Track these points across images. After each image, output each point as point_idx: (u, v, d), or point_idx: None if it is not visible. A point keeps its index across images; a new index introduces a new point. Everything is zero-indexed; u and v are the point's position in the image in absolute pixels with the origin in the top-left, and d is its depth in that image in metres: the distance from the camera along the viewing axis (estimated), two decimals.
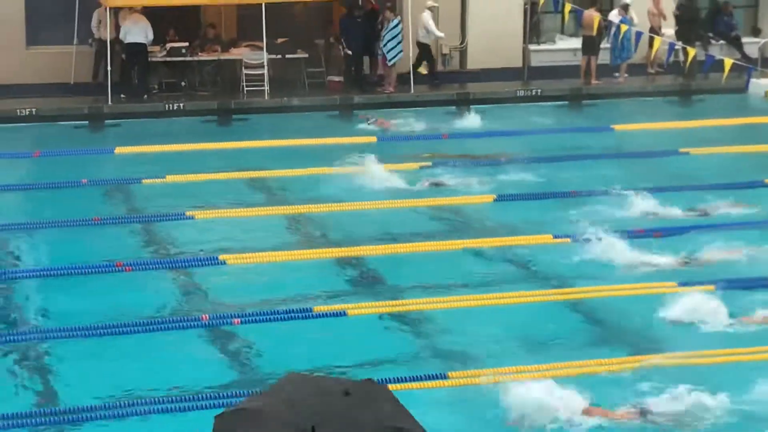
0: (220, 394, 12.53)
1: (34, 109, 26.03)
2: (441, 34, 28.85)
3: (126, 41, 26.77)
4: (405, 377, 12.90)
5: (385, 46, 28.11)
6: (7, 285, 16.13)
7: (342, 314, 14.92)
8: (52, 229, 18.48)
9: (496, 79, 29.40)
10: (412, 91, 28.36)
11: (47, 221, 18.74)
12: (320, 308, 15.08)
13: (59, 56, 27.47)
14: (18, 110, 25.94)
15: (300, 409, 3.73)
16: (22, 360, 13.75)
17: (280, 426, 3.64)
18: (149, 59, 27.32)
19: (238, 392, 12.46)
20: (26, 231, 18.46)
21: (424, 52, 28.90)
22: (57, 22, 27.61)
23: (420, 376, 13.01)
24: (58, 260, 17.02)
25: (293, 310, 15.01)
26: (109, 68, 26.46)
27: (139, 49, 26.70)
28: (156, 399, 12.52)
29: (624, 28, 28.75)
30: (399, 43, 28.00)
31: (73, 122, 25.82)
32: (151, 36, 26.74)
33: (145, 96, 27.19)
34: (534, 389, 12.04)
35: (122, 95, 26.98)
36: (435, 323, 14.77)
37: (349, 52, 28.56)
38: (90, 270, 16.49)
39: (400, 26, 27.96)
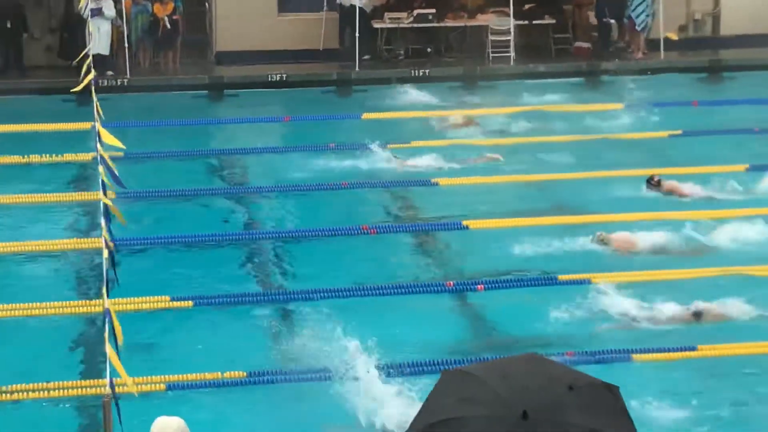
0: (460, 360, 12.52)
1: (284, 75, 26.54)
2: None
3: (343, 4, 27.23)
4: (652, 348, 12.65)
5: (634, 11, 27.53)
6: (259, 245, 16.53)
7: (586, 282, 14.69)
8: (300, 192, 18.86)
9: (752, 46, 28.33)
10: (662, 57, 27.70)
11: (296, 184, 19.13)
12: (564, 277, 14.89)
13: (309, 22, 27.93)
14: (269, 75, 26.49)
15: (517, 389, 3.59)
16: (271, 320, 14.06)
17: (492, 397, 3.52)
18: (398, 25, 27.58)
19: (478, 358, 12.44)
20: (277, 193, 18.88)
21: None
22: None
23: (670, 348, 12.74)
24: (308, 222, 17.36)
25: (537, 278, 14.88)
26: (357, 34, 26.75)
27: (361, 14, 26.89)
28: (399, 364, 12.61)
29: None
30: (648, 7, 27.38)
31: (321, 87, 26.21)
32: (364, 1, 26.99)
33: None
34: None
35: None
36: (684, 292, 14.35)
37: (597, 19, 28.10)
38: (337, 232, 16.73)
39: None
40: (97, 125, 14.64)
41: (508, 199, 18.28)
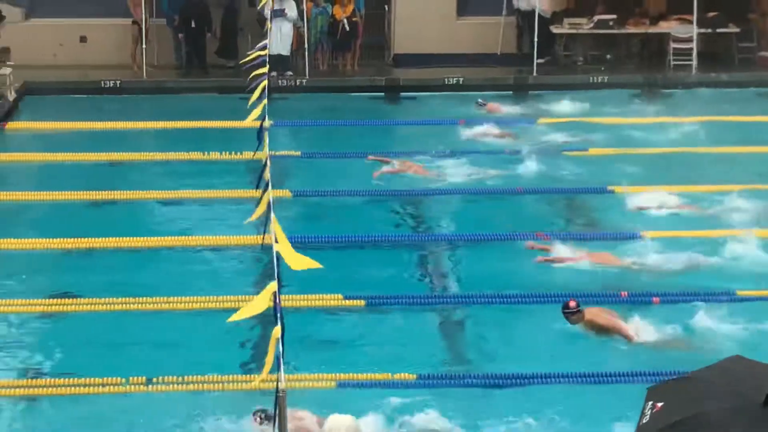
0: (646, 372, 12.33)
1: (460, 78, 26.50)
2: None
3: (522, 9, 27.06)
4: None
5: None
6: (432, 247, 16.50)
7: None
8: (474, 196, 18.78)
9: None
10: None
11: (469, 188, 19.08)
12: (745, 292, 14.49)
13: (487, 26, 27.83)
14: (445, 79, 26.48)
15: (745, 382, 3.64)
16: (442, 323, 14.00)
17: (726, 391, 3.56)
18: (577, 31, 27.31)
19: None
20: (450, 196, 18.83)
21: None
22: None
23: None
24: (481, 226, 17.28)
25: (716, 291, 14.51)
26: (535, 39, 26.57)
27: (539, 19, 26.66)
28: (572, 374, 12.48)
29: None
30: None
31: (497, 92, 26.07)
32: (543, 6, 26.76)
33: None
34: None
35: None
36: None
37: None
38: (510, 237, 16.60)
39: None
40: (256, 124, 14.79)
41: (685, 209, 17.88)
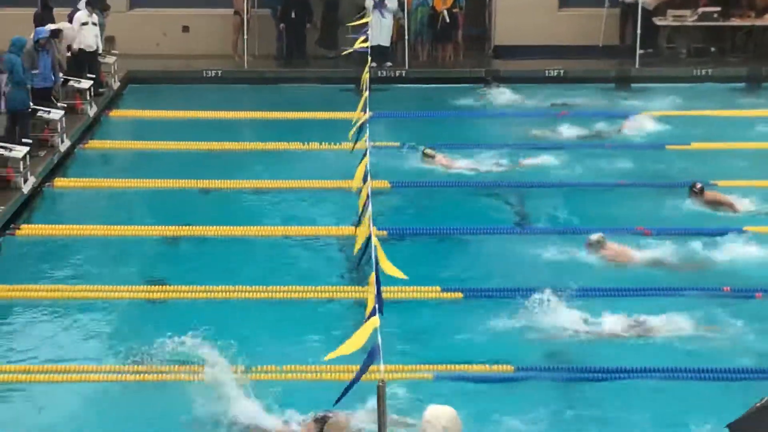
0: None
1: (562, 70, 26.27)
2: None
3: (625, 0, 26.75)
4: None
5: None
6: (530, 240, 16.36)
7: None
8: (575, 189, 18.63)
9: None
10: None
11: (570, 181, 18.93)
12: None
13: (589, 18, 27.53)
14: (546, 71, 26.28)
15: None
16: (535, 315, 13.88)
17: None
18: (681, 23, 26.98)
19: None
20: (549, 189, 18.65)
21: None
22: None
23: None
24: (581, 220, 17.14)
25: None
26: (638, 31, 26.26)
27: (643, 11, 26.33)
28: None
29: None
30: None
31: (599, 84, 25.80)
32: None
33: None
34: None
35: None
36: None
37: None
38: (610, 231, 16.42)
39: None
40: (361, 118, 14.81)
41: None
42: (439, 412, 6.61)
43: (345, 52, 21.17)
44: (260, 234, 16.68)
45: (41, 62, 19.89)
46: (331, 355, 7.45)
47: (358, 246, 10.95)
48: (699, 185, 17.57)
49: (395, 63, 26.57)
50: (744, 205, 17.53)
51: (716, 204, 17.41)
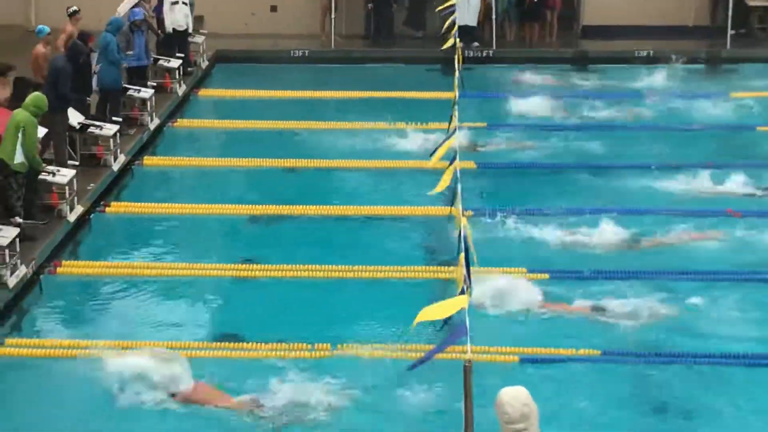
0: None
1: (651, 51, 25.99)
2: None
3: None
4: None
5: None
6: (616, 221, 16.21)
7: None
8: (661, 172, 18.40)
9: None
10: None
11: (656, 163, 18.70)
12: None
13: None
14: (636, 51, 26.02)
15: None
16: (624, 298, 13.76)
17: None
18: None
19: None
20: (629, 171, 18.45)
21: None
22: None
23: None
24: (667, 202, 16.95)
25: None
26: (729, 12, 25.90)
27: None
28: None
29: None
30: None
31: (689, 65, 25.46)
32: None
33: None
34: None
35: None
36: None
37: None
38: (698, 213, 16.24)
39: None
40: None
41: None
42: (516, 393, 6.55)
43: (442, 33, 20.77)
44: (346, 213, 16.70)
45: (136, 42, 20.22)
46: (418, 319, 7.45)
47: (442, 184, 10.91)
48: None
49: (482, 43, 26.45)
50: None
51: None
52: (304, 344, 12.50)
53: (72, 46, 18.08)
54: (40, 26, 18.99)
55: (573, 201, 17.18)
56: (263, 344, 12.54)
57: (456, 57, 16.97)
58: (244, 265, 14.82)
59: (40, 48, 18.70)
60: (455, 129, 13.35)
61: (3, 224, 14.03)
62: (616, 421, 11.16)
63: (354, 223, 16.50)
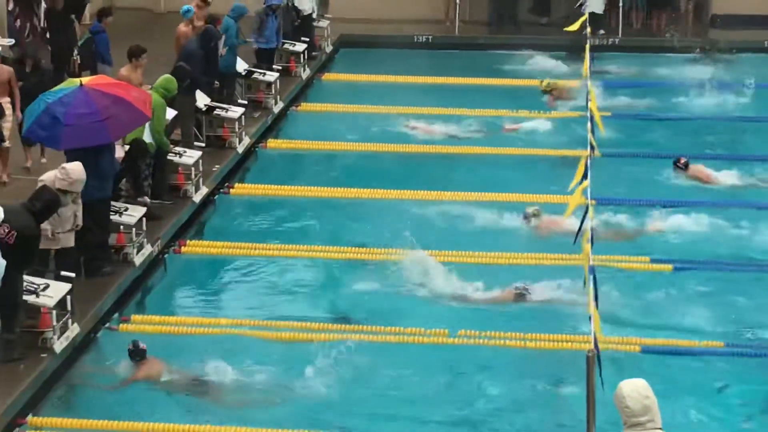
0: None
1: None
2: None
3: None
4: None
5: None
6: (736, 214, 15.96)
7: None
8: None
9: None
10: None
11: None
12: None
13: None
14: (766, 41, 25.54)
15: None
16: (746, 291, 13.54)
17: None
18: None
19: None
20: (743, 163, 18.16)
21: None
22: None
23: None
24: None
25: None
26: None
27: None
28: None
29: None
30: None
31: None
32: None
33: None
34: None
35: None
36: None
37: None
38: None
39: None
40: (588, 84, 14.67)
41: None
42: (637, 385, 6.46)
43: (569, 29, 20.41)
44: (463, 199, 16.52)
45: (269, 25, 20.45)
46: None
47: (568, 213, 10.85)
48: (683, 160, 17.33)
49: (608, 31, 26.16)
50: None
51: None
52: (392, 327, 12.55)
53: (205, 30, 18.28)
54: (186, 6, 19.31)
55: (694, 192, 16.94)
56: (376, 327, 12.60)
57: (586, 45, 16.80)
58: (359, 249, 14.78)
59: (182, 27, 19.04)
60: (590, 121, 13.04)
61: (131, 203, 14.29)
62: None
63: (469, 209, 16.10)
